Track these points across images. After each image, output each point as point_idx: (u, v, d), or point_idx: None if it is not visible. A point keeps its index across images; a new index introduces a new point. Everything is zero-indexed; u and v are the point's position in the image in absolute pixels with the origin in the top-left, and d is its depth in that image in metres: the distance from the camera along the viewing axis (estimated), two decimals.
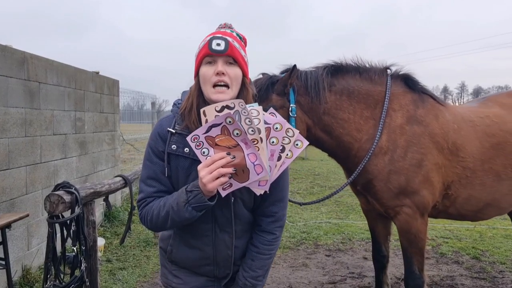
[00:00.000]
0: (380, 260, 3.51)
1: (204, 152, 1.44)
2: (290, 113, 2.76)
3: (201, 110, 1.47)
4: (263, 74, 2.96)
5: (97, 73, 6.25)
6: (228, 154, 1.42)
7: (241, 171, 1.44)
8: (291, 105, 2.77)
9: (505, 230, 6.12)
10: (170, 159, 1.61)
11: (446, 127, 2.95)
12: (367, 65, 3.05)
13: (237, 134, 1.41)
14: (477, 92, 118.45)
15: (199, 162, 1.48)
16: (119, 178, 3.51)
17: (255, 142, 1.43)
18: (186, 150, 1.59)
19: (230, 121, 1.39)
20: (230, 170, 1.42)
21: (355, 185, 3.11)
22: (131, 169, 7.24)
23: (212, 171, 1.40)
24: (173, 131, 1.61)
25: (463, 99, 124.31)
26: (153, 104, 10.46)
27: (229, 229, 1.67)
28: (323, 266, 4.78)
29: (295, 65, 2.79)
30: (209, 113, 1.45)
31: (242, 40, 1.65)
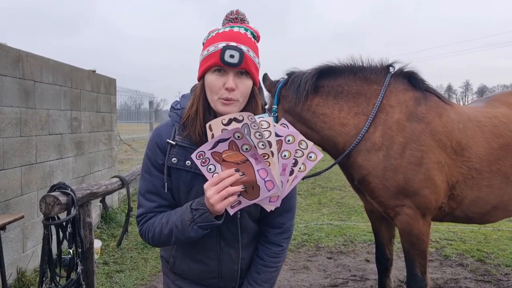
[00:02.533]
0: (383, 263, 3.51)
1: (210, 169, 1.36)
2: (271, 112, 3.11)
3: (207, 125, 1.38)
4: (265, 75, 3.32)
5: (94, 71, 6.25)
6: (237, 170, 1.34)
7: (251, 188, 1.36)
8: (273, 106, 3.14)
9: (510, 232, 6.12)
10: (170, 172, 1.53)
11: (451, 125, 2.94)
12: (365, 65, 3.11)
13: (247, 149, 1.33)
14: (481, 91, 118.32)
15: (202, 175, 1.41)
16: (116, 179, 3.50)
17: (265, 157, 1.36)
18: (188, 163, 1.50)
19: (239, 136, 1.30)
20: (239, 188, 1.33)
21: (353, 180, 3.13)
22: (129, 169, 7.24)
23: (220, 190, 1.31)
24: (173, 142, 1.51)
25: (467, 98, 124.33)
26: (151, 103, 10.48)
27: (235, 244, 1.61)
28: (324, 268, 4.77)
29: (265, 73, 3.32)
30: (216, 127, 1.37)
31: (256, 38, 1.53)
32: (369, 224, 3.65)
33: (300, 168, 1.46)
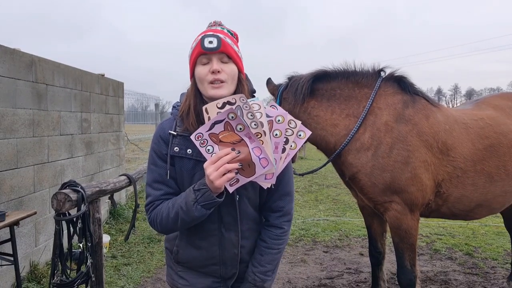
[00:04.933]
0: (376, 256, 3.52)
1: (209, 150, 1.40)
2: None
3: (203, 108, 1.43)
4: (268, 79, 3.40)
5: (103, 75, 6.25)
6: (233, 149, 1.38)
7: (247, 166, 1.40)
8: None
9: (497, 227, 6.12)
10: (173, 161, 1.58)
11: (437, 127, 2.95)
12: (357, 69, 3.15)
13: (241, 129, 1.37)
14: (469, 94, 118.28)
15: (203, 162, 1.45)
16: (123, 177, 3.50)
17: (259, 136, 1.39)
18: (189, 151, 1.56)
19: (232, 117, 1.35)
20: (236, 165, 1.38)
21: (344, 177, 3.15)
22: (135, 168, 7.24)
23: (218, 168, 1.36)
24: (175, 133, 1.58)
25: (456, 100, 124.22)
26: (156, 105, 10.48)
27: (235, 227, 1.63)
28: (321, 262, 4.78)
29: (269, 78, 3.40)
30: (211, 110, 1.42)
31: (234, 36, 1.61)
32: (363, 219, 3.66)
33: (291, 146, 1.49)
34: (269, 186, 1.50)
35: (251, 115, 1.40)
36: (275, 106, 1.51)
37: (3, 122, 3.72)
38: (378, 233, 3.50)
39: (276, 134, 1.47)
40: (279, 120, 1.48)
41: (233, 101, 1.41)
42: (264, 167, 1.40)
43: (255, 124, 1.40)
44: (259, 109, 1.45)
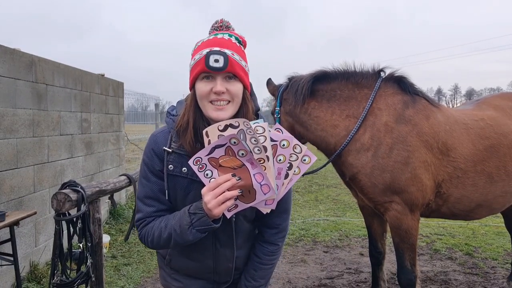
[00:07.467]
0: (376, 256, 3.52)
1: (207, 174, 1.32)
2: (275, 114, 3.27)
3: (204, 131, 1.34)
4: (269, 79, 3.41)
5: (103, 75, 6.25)
6: (234, 175, 1.30)
7: (247, 192, 1.33)
8: (276, 108, 3.24)
9: (497, 227, 6.12)
10: (167, 178, 1.48)
11: (437, 127, 2.95)
12: (357, 70, 3.15)
13: (243, 154, 1.29)
14: (469, 94, 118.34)
15: (198, 181, 1.38)
16: (123, 177, 3.49)
17: (261, 162, 1.32)
18: (184, 170, 1.46)
19: (235, 142, 1.27)
20: (236, 192, 1.30)
21: (345, 177, 3.15)
22: (135, 168, 7.24)
23: (217, 195, 1.28)
24: (170, 150, 1.46)
25: (456, 100, 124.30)
26: (156, 105, 10.47)
27: (230, 244, 1.59)
28: (321, 262, 4.78)
29: (269, 78, 3.41)
30: (212, 134, 1.33)
31: (242, 44, 1.48)
32: (363, 219, 3.66)
33: (295, 171, 1.42)
34: (268, 212, 1.44)
35: (254, 140, 1.31)
36: (280, 130, 1.42)
37: (3, 122, 3.72)
38: (379, 233, 3.50)
39: (280, 160, 1.39)
40: (284, 145, 1.39)
41: (236, 124, 1.31)
42: (265, 194, 1.34)
43: (258, 150, 1.32)
44: (263, 132, 1.35)
